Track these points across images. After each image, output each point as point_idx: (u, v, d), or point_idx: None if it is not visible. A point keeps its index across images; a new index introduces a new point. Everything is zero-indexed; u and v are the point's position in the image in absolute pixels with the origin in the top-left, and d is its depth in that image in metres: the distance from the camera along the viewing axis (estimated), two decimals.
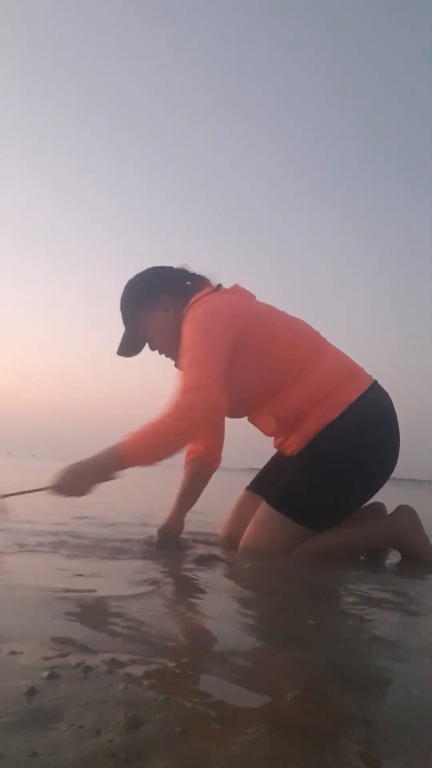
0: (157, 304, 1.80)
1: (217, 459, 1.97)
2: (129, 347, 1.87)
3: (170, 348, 1.82)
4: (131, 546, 1.67)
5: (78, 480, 1.47)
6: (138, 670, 0.66)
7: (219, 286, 1.82)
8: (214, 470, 1.99)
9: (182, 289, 1.81)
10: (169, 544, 1.76)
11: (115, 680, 0.62)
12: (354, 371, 1.73)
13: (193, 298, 1.75)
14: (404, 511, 1.72)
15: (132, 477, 1.70)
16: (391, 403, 1.75)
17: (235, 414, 1.83)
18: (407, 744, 0.53)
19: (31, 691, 0.58)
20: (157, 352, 1.87)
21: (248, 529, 1.67)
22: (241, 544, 1.67)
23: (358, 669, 0.75)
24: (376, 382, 1.74)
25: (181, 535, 1.89)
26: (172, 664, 0.70)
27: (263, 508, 1.66)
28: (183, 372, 1.57)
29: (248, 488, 1.98)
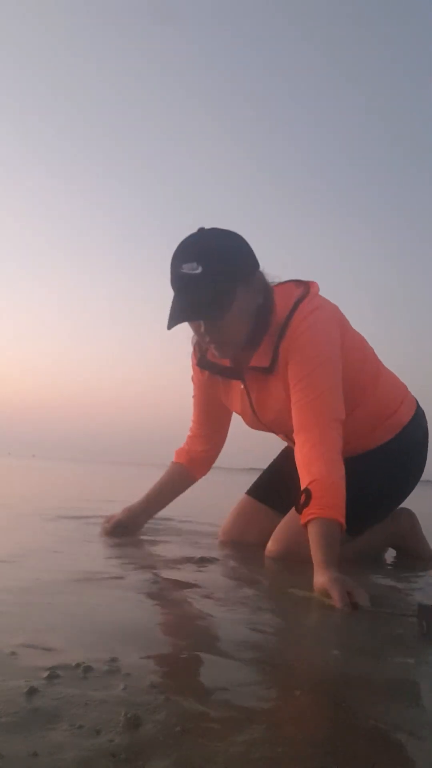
0: (253, 284, 1.45)
1: (203, 472, 1.90)
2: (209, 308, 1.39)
3: (235, 339, 1.45)
4: (132, 544, 1.67)
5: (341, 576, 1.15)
6: (138, 670, 0.66)
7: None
8: (195, 481, 1.90)
9: (265, 281, 1.49)
10: (115, 533, 1.82)
11: (115, 680, 0.62)
12: (405, 393, 1.71)
13: (307, 298, 1.46)
14: (405, 513, 1.82)
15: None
16: (427, 425, 1.75)
17: (281, 431, 1.70)
18: (411, 743, 0.53)
19: (31, 691, 0.58)
20: (198, 334, 1.48)
21: (280, 534, 1.58)
22: (272, 548, 1.58)
23: (359, 668, 0.75)
24: (418, 402, 1.74)
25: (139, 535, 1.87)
26: (172, 664, 0.70)
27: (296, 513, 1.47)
28: (322, 396, 1.37)
29: (250, 494, 1.91)
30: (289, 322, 1.43)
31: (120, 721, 0.53)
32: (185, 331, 1.57)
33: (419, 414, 1.70)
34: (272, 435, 1.86)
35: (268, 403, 1.55)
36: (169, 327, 1.39)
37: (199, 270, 1.34)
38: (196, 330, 1.46)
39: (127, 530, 1.86)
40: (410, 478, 1.69)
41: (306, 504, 1.26)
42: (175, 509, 2.11)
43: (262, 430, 1.71)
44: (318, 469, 1.28)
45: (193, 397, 1.80)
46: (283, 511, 1.65)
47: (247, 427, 1.76)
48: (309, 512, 1.24)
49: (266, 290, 1.47)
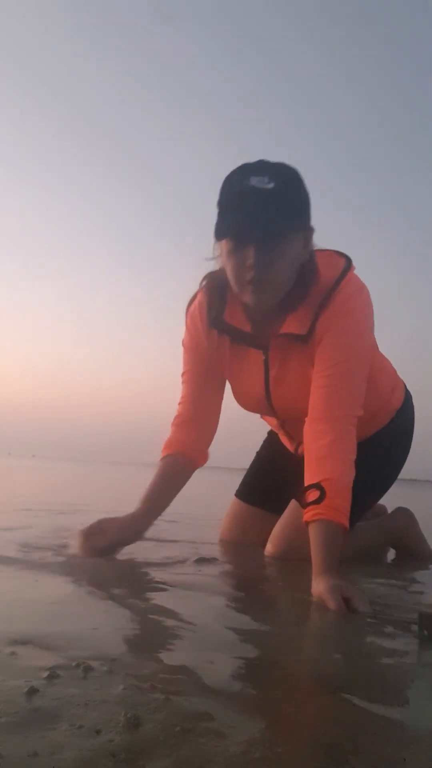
0: (308, 233, 1.29)
1: (204, 457, 1.56)
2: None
3: (279, 286, 1.25)
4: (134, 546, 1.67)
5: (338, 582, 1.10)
6: (138, 670, 0.66)
7: None
8: (196, 468, 1.57)
9: (312, 240, 1.32)
10: (105, 551, 1.41)
11: (115, 680, 0.62)
12: (396, 377, 1.71)
13: (352, 270, 1.34)
14: (403, 511, 1.85)
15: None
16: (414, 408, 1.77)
17: (287, 415, 1.54)
18: (409, 746, 0.53)
19: (31, 691, 0.58)
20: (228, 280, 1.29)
21: (279, 534, 1.56)
22: (271, 548, 1.57)
23: (359, 669, 0.75)
24: (405, 384, 1.75)
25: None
26: (172, 664, 0.70)
27: (296, 510, 1.44)
28: (350, 387, 1.28)
29: (241, 498, 1.85)
30: (336, 292, 1.28)
31: (120, 721, 0.53)
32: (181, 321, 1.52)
33: (408, 397, 1.72)
34: (268, 430, 1.84)
35: (286, 379, 1.40)
36: (219, 237, 1.24)
37: (272, 185, 1.17)
38: (241, 262, 1.22)
39: (120, 540, 1.45)
40: (401, 464, 1.72)
41: (316, 501, 1.18)
42: (174, 508, 2.11)
43: (262, 412, 1.58)
44: (333, 467, 1.21)
45: (185, 373, 1.53)
46: (278, 511, 1.62)
47: (242, 409, 1.57)
48: (316, 511, 1.18)
49: (312, 250, 1.31)
